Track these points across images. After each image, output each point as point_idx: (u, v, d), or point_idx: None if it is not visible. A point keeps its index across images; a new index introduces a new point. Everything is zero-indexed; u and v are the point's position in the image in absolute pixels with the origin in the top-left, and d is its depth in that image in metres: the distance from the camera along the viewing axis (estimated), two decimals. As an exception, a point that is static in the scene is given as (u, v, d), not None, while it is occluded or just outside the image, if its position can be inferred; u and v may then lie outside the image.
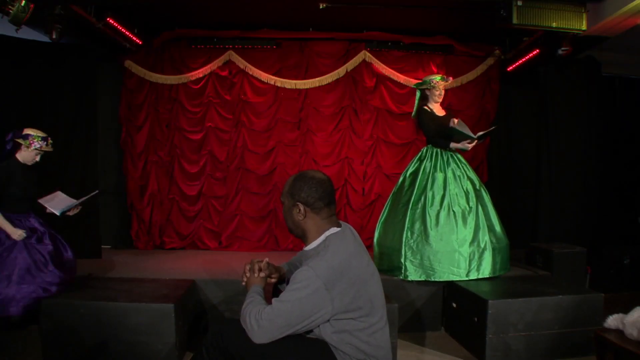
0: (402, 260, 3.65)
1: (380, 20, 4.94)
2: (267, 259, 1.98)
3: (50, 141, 3.27)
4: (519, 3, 3.96)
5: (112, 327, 2.86)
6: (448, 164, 3.89)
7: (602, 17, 4.08)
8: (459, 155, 3.98)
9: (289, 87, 5.33)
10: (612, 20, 4.05)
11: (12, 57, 4.52)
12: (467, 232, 3.65)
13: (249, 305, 1.74)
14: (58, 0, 4.00)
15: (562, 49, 4.38)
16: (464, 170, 3.92)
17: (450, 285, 3.59)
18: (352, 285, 1.69)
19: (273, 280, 2.00)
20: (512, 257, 4.06)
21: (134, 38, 4.89)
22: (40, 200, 3.25)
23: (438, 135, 3.88)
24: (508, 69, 5.34)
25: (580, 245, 4.34)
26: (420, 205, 3.76)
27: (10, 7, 3.69)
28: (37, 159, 3.25)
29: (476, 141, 3.83)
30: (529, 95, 5.61)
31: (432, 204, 3.74)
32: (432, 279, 3.59)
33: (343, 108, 5.47)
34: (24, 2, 3.71)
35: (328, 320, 1.70)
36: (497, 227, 3.84)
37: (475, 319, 3.14)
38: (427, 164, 3.92)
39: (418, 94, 4.09)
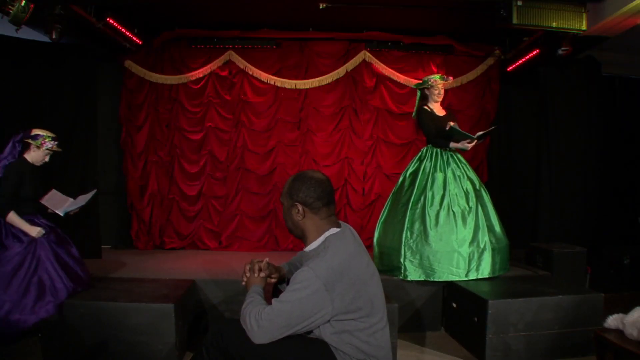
0: (402, 260, 3.65)
1: (380, 20, 4.94)
2: (267, 259, 1.98)
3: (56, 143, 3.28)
4: (519, 3, 3.96)
5: (112, 327, 2.86)
6: (448, 164, 3.89)
7: (602, 17, 4.08)
8: (459, 155, 3.98)
9: (289, 87, 5.33)
10: (612, 20, 4.05)
11: (12, 57, 4.52)
12: (467, 232, 3.66)
13: (249, 305, 1.74)
14: (58, 0, 4.00)
15: (562, 49, 4.38)
16: (464, 170, 3.92)
17: (450, 285, 3.59)
18: (352, 285, 1.69)
19: (273, 280, 2.00)
20: (512, 257, 4.07)
21: (134, 38, 4.89)
22: (42, 201, 3.25)
23: (438, 135, 3.89)
24: (508, 69, 5.34)
25: (580, 245, 4.34)
26: (420, 205, 3.76)
27: (10, 7, 3.69)
28: (47, 159, 3.24)
29: (476, 141, 3.83)
30: (529, 95, 5.61)
31: (431, 204, 3.74)
32: (432, 279, 3.59)
33: (343, 108, 5.48)
34: (24, 2, 3.71)
35: (328, 321, 1.70)
36: (497, 228, 3.85)
37: (475, 319, 3.14)
38: (427, 164, 3.92)
39: (418, 94, 4.09)
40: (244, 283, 1.94)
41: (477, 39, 5.34)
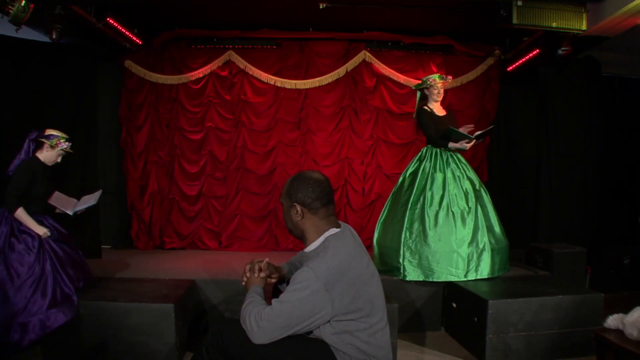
0: (401, 260, 3.65)
1: (380, 20, 4.94)
2: (267, 259, 1.98)
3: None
4: (519, 3, 3.96)
5: (112, 327, 2.86)
6: (448, 164, 3.89)
7: (602, 17, 4.08)
8: (458, 155, 3.98)
9: (289, 87, 5.33)
10: (612, 20, 4.05)
11: (12, 57, 4.52)
12: (466, 233, 3.66)
13: (249, 305, 1.74)
14: (58, 0, 4.00)
15: (562, 49, 4.38)
16: (464, 170, 3.92)
17: (450, 286, 3.60)
18: (352, 286, 1.69)
19: (273, 280, 2.00)
20: (512, 257, 4.07)
21: (134, 38, 4.89)
22: (50, 201, 3.25)
23: (437, 135, 3.89)
24: (508, 69, 5.34)
25: (580, 245, 4.34)
26: (419, 206, 3.76)
27: (10, 7, 3.69)
28: (59, 160, 3.25)
29: (474, 140, 3.83)
30: (529, 95, 5.61)
31: (431, 204, 3.74)
32: (431, 280, 3.59)
33: (343, 108, 5.48)
34: (24, 2, 3.71)
35: (328, 321, 1.70)
36: (497, 228, 3.84)
37: (475, 319, 3.14)
38: (426, 164, 3.92)
39: (419, 94, 4.10)
40: (243, 283, 1.94)
41: (477, 39, 5.34)
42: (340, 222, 1.90)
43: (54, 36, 4.09)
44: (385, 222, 4.00)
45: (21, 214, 3.00)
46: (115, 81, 5.35)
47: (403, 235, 3.69)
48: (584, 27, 4.16)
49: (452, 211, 3.70)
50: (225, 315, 3.55)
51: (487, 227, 3.73)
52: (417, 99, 4.11)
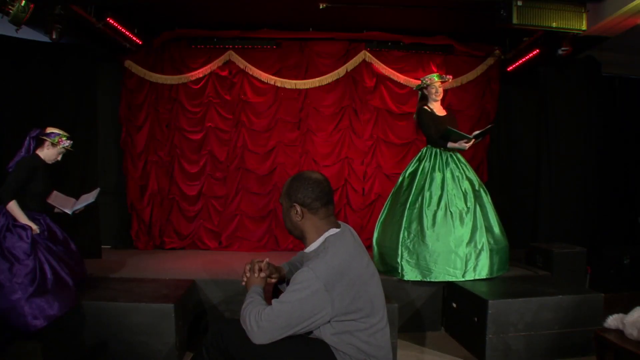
0: (399, 260, 3.66)
1: (380, 20, 4.94)
2: (267, 259, 1.98)
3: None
4: (519, 3, 3.96)
5: (112, 327, 2.86)
6: (447, 164, 3.89)
7: (602, 17, 4.08)
8: (458, 156, 3.98)
9: (289, 87, 5.33)
10: (612, 20, 4.05)
11: (12, 57, 4.52)
12: (464, 233, 3.66)
13: (249, 305, 1.74)
14: (58, 0, 4.00)
15: (562, 49, 4.38)
16: (463, 170, 3.92)
17: (450, 286, 3.60)
18: (352, 286, 1.69)
19: (273, 280, 2.00)
20: (512, 257, 4.07)
21: (134, 38, 4.89)
22: (49, 200, 3.26)
23: (437, 135, 3.89)
24: (508, 69, 5.34)
25: (580, 245, 4.34)
26: (417, 205, 3.77)
27: (10, 7, 3.69)
28: (59, 158, 3.26)
29: (473, 140, 3.83)
30: (529, 95, 5.61)
31: (429, 204, 3.74)
32: (428, 279, 3.60)
33: (343, 108, 5.47)
34: (24, 2, 3.71)
35: (328, 321, 1.70)
36: (496, 228, 3.84)
37: (475, 319, 3.14)
38: (426, 164, 3.92)
39: (420, 94, 4.10)
40: (243, 283, 1.94)
41: (477, 39, 5.34)
42: (340, 222, 1.89)
43: (54, 36, 4.09)
44: (385, 222, 4.00)
45: (13, 206, 2.99)
46: (115, 81, 5.35)
47: (401, 235, 3.70)
48: (584, 27, 4.16)
49: (450, 211, 3.70)
50: (225, 315, 3.55)
51: (485, 227, 3.73)
52: (418, 99, 4.11)
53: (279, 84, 5.32)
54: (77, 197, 3.43)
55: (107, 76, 5.31)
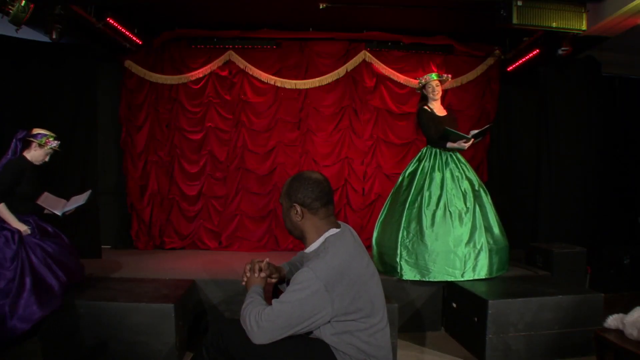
0: (398, 259, 3.66)
1: (380, 20, 4.94)
2: (267, 259, 1.98)
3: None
4: (519, 3, 3.96)
5: (112, 327, 2.86)
6: (447, 164, 3.89)
7: (602, 17, 4.08)
8: (458, 156, 3.97)
9: (289, 87, 5.33)
10: (612, 20, 4.05)
11: (12, 57, 4.52)
12: (463, 233, 3.66)
13: (249, 305, 1.74)
14: (58, 0, 4.00)
15: (562, 49, 4.38)
16: (463, 170, 3.92)
17: (450, 286, 3.60)
18: (352, 286, 1.69)
19: (273, 280, 2.00)
20: (512, 257, 4.07)
21: (134, 38, 4.89)
22: (38, 202, 3.24)
23: (436, 135, 3.88)
24: (508, 69, 5.34)
25: (580, 245, 4.34)
26: (416, 205, 3.77)
27: (10, 7, 3.69)
28: (47, 159, 3.24)
29: (472, 140, 3.83)
30: (529, 95, 5.61)
31: (428, 204, 3.74)
32: (427, 279, 3.60)
33: (343, 108, 5.48)
34: (24, 2, 3.71)
35: (329, 322, 1.70)
36: (495, 229, 3.84)
37: (475, 319, 3.14)
38: (425, 164, 3.93)
39: (420, 95, 4.10)
40: (244, 283, 1.94)
41: (477, 39, 5.34)
42: (340, 222, 1.89)
43: (54, 36, 4.09)
44: (384, 221, 4.00)
45: (2, 209, 2.98)
46: (115, 81, 5.35)
47: (400, 235, 3.70)
48: (584, 27, 4.17)
49: (449, 211, 3.70)
50: (225, 315, 3.54)
51: (485, 227, 3.73)
52: (419, 99, 4.12)
53: (279, 84, 5.32)
54: (69, 199, 3.41)
55: (107, 76, 5.31)
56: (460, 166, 3.93)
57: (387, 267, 3.78)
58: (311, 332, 1.76)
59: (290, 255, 2.20)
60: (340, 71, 5.34)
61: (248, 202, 5.43)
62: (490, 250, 3.66)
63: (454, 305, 3.52)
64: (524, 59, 5.02)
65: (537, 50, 4.76)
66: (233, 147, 5.40)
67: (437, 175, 3.84)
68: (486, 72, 5.48)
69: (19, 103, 4.50)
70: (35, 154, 3.18)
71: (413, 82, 4.91)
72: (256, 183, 5.42)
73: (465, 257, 3.60)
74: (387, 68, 5.35)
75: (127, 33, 4.76)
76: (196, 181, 5.42)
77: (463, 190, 3.81)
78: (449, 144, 3.85)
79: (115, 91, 5.37)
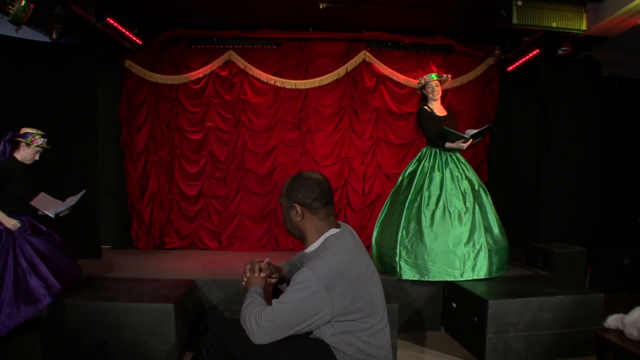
0: (397, 259, 3.66)
1: (380, 20, 4.94)
2: (267, 259, 1.98)
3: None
4: (519, 3, 3.96)
5: (112, 327, 2.86)
6: (446, 164, 3.89)
7: (602, 17, 4.08)
8: (458, 156, 3.97)
9: (289, 87, 5.33)
10: (612, 20, 4.05)
11: (12, 57, 4.52)
12: (463, 233, 3.66)
13: (249, 305, 1.74)
14: (58, 0, 4.00)
15: (562, 49, 4.38)
16: (463, 170, 3.92)
17: (450, 286, 3.60)
18: (352, 286, 1.69)
19: (273, 280, 2.00)
20: (512, 257, 4.07)
21: (134, 38, 4.90)
22: (32, 203, 3.23)
23: (435, 135, 3.88)
24: (508, 69, 5.34)
25: (580, 245, 4.34)
26: (416, 205, 3.77)
27: (10, 7, 3.69)
28: (37, 157, 3.25)
29: (471, 140, 3.83)
30: (529, 95, 5.61)
31: (428, 204, 3.75)
32: (426, 279, 3.60)
33: (343, 108, 5.48)
34: (24, 2, 3.71)
35: (329, 322, 1.70)
36: (495, 229, 3.83)
37: (475, 319, 3.14)
38: (425, 164, 3.93)
39: (420, 95, 4.11)
40: (244, 283, 1.94)
41: (477, 39, 5.34)
42: (340, 222, 1.89)
43: (54, 36, 4.09)
44: (384, 221, 4.00)
45: None
46: (115, 81, 5.35)
47: (400, 234, 3.70)
48: (584, 27, 4.17)
49: (449, 211, 3.70)
50: (225, 315, 3.54)
51: (485, 227, 3.73)
52: (419, 99, 4.13)
53: (279, 84, 5.32)
54: (64, 200, 3.41)
55: (107, 76, 5.30)
56: (460, 166, 3.93)
57: (386, 267, 3.78)
58: (311, 332, 1.76)
59: (290, 255, 2.20)
60: (340, 71, 5.34)
61: (248, 202, 5.43)
62: (489, 250, 3.66)
63: (454, 305, 3.52)
64: (524, 59, 5.02)
65: (537, 50, 4.76)
66: (233, 147, 5.40)
67: (437, 175, 3.84)
68: (486, 72, 5.48)
69: (19, 103, 4.50)
70: (24, 154, 3.19)
71: (413, 82, 4.91)
72: (256, 183, 5.42)
73: (464, 257, 3.60)
74: (387, 68, 5.35)
75: (127, 33, 4.76)
76: (196, 181, 5.42)
77: (462, 190, 3.81)
78: (448, 144, 3.85)
79: (115, 91, 5.37)
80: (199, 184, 5.42)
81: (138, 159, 5.34)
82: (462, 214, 3.71)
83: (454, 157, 3.94)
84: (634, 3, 3.73)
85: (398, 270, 3.65)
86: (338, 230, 1.83)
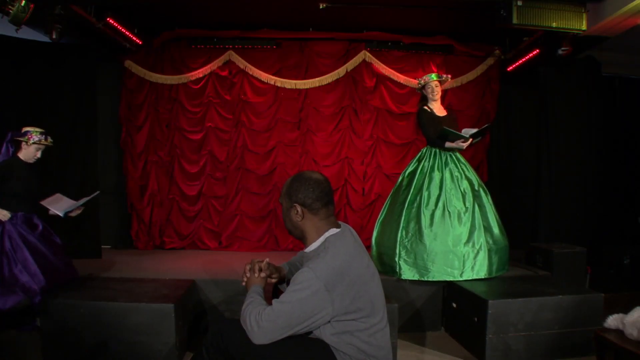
0: (397, 259, 3.66)
1: (380, 20, 4.94)
2: (267, 259, 1.98)
3: (50, 139, 3.31)
4: (519, 3, 3.96)
5: (112, 327, 2.86)
6: (446, 164, 3.89)
7: (602, 17, 4.08)
8: (458, 155, 3.97)
9: (289, 87, 5.33)
10: (612, 20, 4.05)
11: (12, 57, 4.52)
12: (462, 232, 3.65)
13: (249, 305, 1.74)
14: (58, 0, 4.00)
15: (562, 49, 4.38)
16: (463, 170, 3.91)
17: (450, 285, 3.59)
18: (353, 286, 1.69)
19: (273, 280, 2.00)
20: (512, 257, 4.06)
21: (134, 38, 4.90)
22: (43, 202, 3.25)
23: (435, 135, 3.88)
24: (508, 69, 5.34)
25: (580, 245, 4.34)
26: (416, 205, 3.77)
27: (10, 7, 3.70)
28: (38, 155, 3.27)
29: (471, 140, 3.83)
30: (529, 95, 5.61)
31: (427, 204, 3.74)
32: (426, 279, 3.60)
33: (343, 108, 5.48)
34: (24, 2, 3.72)
35: (329, 321, 1.70)
36: (495, 228, 3.83)
37: (475, 319, 3.14)
38: (425, 163, 3.93)
39: (421, 95, 4.11)
40: (244, 283, 1.94)
41: (477, 39, 5.34)
42: (340, 222, 1.89)
43: (54, 36, 4.09)
44: (384, 221, 4.00)
45: None
46: (115, 81, 5.35)
47: (399, 234, 3.70)
48: (584, 27, 4.17)
49: (448, 211, 3.70)
50: (225, 315, 3.54)
51: (484, 227, 3.73)
52: (419, 99, 4.13)
53: (279, 84, 5.32)
54: (77, 198, 3.43)
55: (107, 76, 5.30)
56: (460, 166, 3.92)
57: (386, 267, 3.78)
58: (311, 332, 1.76)
59: (290, 255, 2.20)
60: (340, 71, 5.34)
61: (248, 202, 5.43)
62: (489, 250, 3.66)
63: (454, 305, 3.52)
64: (524, 59, 5.02)
65: (537, 50, 4.76)
66: (233, 147, 5.40)
67: (437, 175, 3.84)
68: (486, 72, 5.48)
69: (19, 103, 4.50)
70: (25, 153, 3.22)
71: (413, 82, 4.91)
72: (256, 183, 5.42)
73: (464, 256, 3.60)
74: (387, 68, 5.36)
75: (127, 33, 4.76)
76: (196, 181, 5.42)
77: (462, 190, 3.81)
78: (448, 144, 3.85)
79: (115, 91, 5.37)
80: (199, 184, 5.42)
81: (138, 159, 5.34)
82: (462, 214, 3.70)
83: (454, 157, 3.94)
84: (634, 3, 3.73)
85: (397, 270, 3.65)
86: (338, 230, 1.83)
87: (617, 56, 5.33)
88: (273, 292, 2.08)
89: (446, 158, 3.91)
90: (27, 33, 4.50)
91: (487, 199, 3.91)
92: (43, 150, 3.30)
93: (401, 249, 3.67)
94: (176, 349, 2.89)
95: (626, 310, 2.45)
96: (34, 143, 3.21)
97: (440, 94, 4.01)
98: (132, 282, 3.44)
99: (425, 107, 3.99)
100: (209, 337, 1.81)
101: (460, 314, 3.42)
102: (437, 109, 4.02)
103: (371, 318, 1.74)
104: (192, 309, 3.47)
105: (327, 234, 1.81)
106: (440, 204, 3.73)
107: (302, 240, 1.89)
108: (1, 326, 3.05)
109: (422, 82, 3.97)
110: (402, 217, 3.76)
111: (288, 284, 1.84)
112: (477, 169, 5.14)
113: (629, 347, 2.26)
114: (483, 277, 3.59)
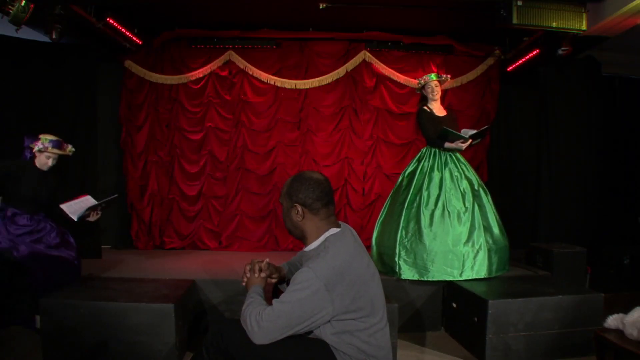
0: (397, 259, 3.66)
1: (380, 20, 4.94)
2: (267, 259, 1.98)
3: (70, 148, 3.30)
4: (519, 3, 3.96)
5: (112, 327, 2.86)
6: (446, 164, 3.89)
7: (602, 17, 4.08)
8: (458, 155, 3.97)
9: (289, 87, 5.33)
10: (612, 20, 4.06)
11: (12, 57, 4.52)
12: (462, 232, 3.65)
13: (250, 305, 1.74)
14: (58, 0, 4.00)
15: (562, 49, 4.38)
16: (462, 170, 3.91)
17: (450, 285, 3.59)
18: (353, 286, 1.69)
19: (273, 280, 2.00)
20: (512, 257, 4.06)
21: (134, 38, 4.89)
22: (62, 206, 3.24)
23: (435, 135, 3.88)
24: (508, 69, 5.34)
25: (580, 245, 4.34)
26: (415, 205, 3.77)
27: (10, 7, 3.70)
28: (49, 162, 3.25)
29: (470, 140, 3.83)
30: (529, 95, 5.61)
31: (427, 204, 3.74)
32: (426, 279, 3.60)
33: (343, 108, 5.48)
34: (24, 2, 3.72)
35: (329, 321, 1.70)
36: (495, 228, 3.83)
37: (475, 319, 3.14)
38: (425, 163, 3.93)
39: (420, 95, 4.11)
40: (244, 283, 1.94)
41: (477, 39, 5.34)
42: (340, 222, 1.90)
43: (54, 36, 4.09)
44: (384, 221, 4.00)
45: None
46: (115, 81, 5.35)
47: (399, 234, 3.70)
48: (584, 27, 4.17)
49: (448, 211, 3.70)
50: (226, 315, 3.54)
51: (484, 227, 3.73)
52: (419, 99, 4.13)
53: (279, 84, 5.32)
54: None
55: (107, 76, 5.30)
56: (460, 166, 3.93)
57: (386, 266, 3.78)
58: (311, 332, 1.76)
59: (290, 255, 2.20)
60: (340, 71, 5.34)
61: (248, 202, 5.43)
62: (489, 250, 3.66)
63: (454, 305, 3.52)
64: (524, 59, 5.02)
65: (537, 50, 4.76)
66: (233, 147, 5.40)
67: (436, 175, 3.84)
68: (486, 72, 5.48)
69: (19, 103, 4.50)
70: (39, 160, 3.22)
71: (413, 82, 4.91)
72: (256, 183, 5.42)
73: (463, 256, 3.60)
74: (387, 68, 5.36)
75: (127, 33, 4.76)
76: (196, 181, 5.42)
77: (462, 190, 3.81)
78: (447, 144, 3.85)
79: (115, 91, 5.37)
80: (199, 184, 5.42)
81: (138, 159, 5.34)
82: (462, 214, 3.70)
83: (454, 157, 3.94)
84: (634, 3, 3.73)
85: (397, 270, 3.65)
86: (338, 230, 1.83)
87: (617, 56, 5.33)
88: (273, 292, 2.08)
89: (446, 158, 3.92)
90: (27, 33, 4.50)
91: (487, 198, 3.91)
92: (59, 159, 3.27)
93: (401, 249, 3.67)
94: (176, 349, 2.89)
95: (626, 310, 2.45)
96: (38, 151, 3.19)
97: (440, 94, 4.01)
98: (132, 282, 3.44)
99: (425, 107, 3.99)
100: (209, 337, 1.81)
101: (460, 314, 3.42)
102: (437, 109, 4.02)
103: (371, 318, 1.74)
104: (192, 309, 3.47)
105: (327, 234, 1.81)
106: (440, 204, 3.73)
107: (302, 240, 1.89)
108: (6, 323, 3.05)
109: (422, 82, 3.97)
110: (401, 217, 3.76)
111: (288, 284, 1.84)
112: (477, 169, 5.14)
113: (629, 347, 2.26)
114: (483, 277, 3.59)
